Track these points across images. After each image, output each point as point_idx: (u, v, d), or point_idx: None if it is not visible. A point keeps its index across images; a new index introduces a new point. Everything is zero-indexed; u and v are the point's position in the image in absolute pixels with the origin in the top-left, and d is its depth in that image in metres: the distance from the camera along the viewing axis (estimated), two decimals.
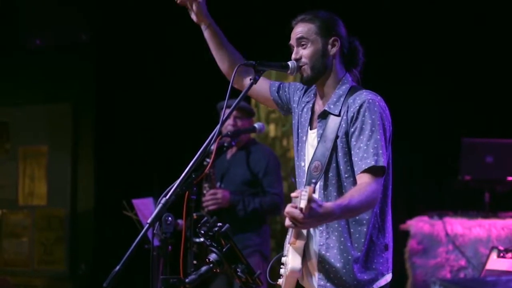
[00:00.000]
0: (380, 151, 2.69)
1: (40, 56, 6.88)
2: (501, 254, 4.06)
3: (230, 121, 4.72)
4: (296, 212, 2.39)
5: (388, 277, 2.84)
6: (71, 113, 6.84)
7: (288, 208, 2.43)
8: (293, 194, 2.42)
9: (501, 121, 5.47)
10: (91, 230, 6.64)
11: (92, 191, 6.66)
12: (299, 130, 2.98)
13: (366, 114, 2.74)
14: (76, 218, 6.76)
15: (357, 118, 2.75)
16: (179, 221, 4.01)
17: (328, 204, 2.52)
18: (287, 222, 2.48)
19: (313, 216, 2.41)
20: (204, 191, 4.68)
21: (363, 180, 2.69)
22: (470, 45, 5.51)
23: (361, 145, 2.72)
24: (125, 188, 5.17)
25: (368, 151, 2.70)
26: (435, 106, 5.57)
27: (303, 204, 2.35)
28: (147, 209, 4.57)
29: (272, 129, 6.81)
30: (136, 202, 4.63)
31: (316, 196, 2.81)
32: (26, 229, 6.99)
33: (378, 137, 2.71)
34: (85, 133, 6.79)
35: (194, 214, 3.72)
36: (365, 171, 2.69)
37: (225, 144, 4.15)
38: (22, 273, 6.90)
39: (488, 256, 4.17)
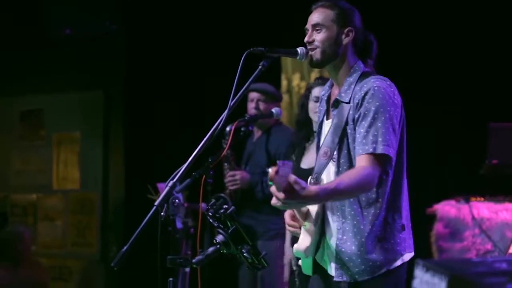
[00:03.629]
0: (380, 139, 2.72)
1: (73, 45, 7.00)
2: None
3: (252, 104, 4.76)
4: (278, 193, 2.51)
5: (406, 257, 2.86)
6: (103, 101, 6.98)
7: (272, 188, 2.54)
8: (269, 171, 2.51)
9: None
10: (121, 214, 6.74)
11: (123, 177, 6.77)
12: (317, 123, 3.08)
13: (370, 101, 2.77)
14: (107, 202, 6.90)
15: (361, 104, 2.78)
16: (203, 204, 4.08)
17: (313, 188, 2.60)
18: (273, 200, 2.59)
19: (295, 197, 2.50)
20: (225, 172, 4.74)
21: (360, 164, 2.74)
22: (494, 26, 5.46)
23: (362, 130, 2.76)
24: (154, 174, 5.24)
25: (368, 137, 2.74)
26: (463, 90, 5.54)
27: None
28: None
29: None
30: (161, 185, 4.72)
31: (326, 180, 2.87)
32: (60, 213, 7.16)
33: (380, 124, 2.74)
34: (116, 120, 6.91)
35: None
36: (363, 156, 2.74)
37: (242, 129, 4.21)
38: (56, 255, 7.08)
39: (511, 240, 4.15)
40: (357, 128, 2.78)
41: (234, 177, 4.67)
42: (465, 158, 5.51)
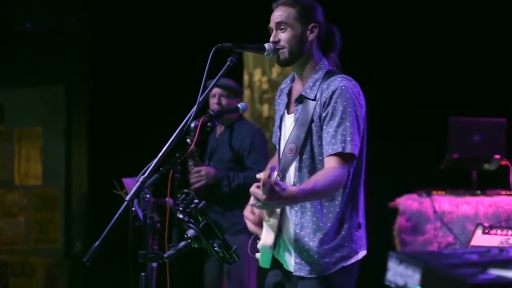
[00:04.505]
0: (349, 138, 2.77)
1: (34, 39, 6.92)
2: (486, 231, 4.09)
3: (214, 100, 4.77)
4: (259, 193, 2.51)
5: (360, 255, 2.94)
6: (64, 95, 6.91)
7: (252, 188, 2.56)
8: (258, 176, 2.51)
9: (488, 99, 5.51)
10: (85, 209, 6.71)
11: (86, 172, 6.74)
12: (276, 116, 3.07)
13: (338, 100, 2.80)
14: (70, 197, 6.84)
15: (329, 103, 2.82)
16: (169, 199, 4.08)
17: (292, 188, 2.63)
18: (251, 200, 2.60)
19: (275, 198, 2.52)
20: (189, 169, 4.74)
21: (330, 164, 2.78)
22: (456, 20, 5.54)
23: (330, 130, 2.80)
24: (117, 169, 5.21)
25: (336, 137, 2.78)
26: (422, 84, 5.61)
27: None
28: None
29: (265, 109, 6.85)
30: (126, 180, 4.69)
31: (291, 177, 2.91)
32: (22, 209, 7.08)
33: (348, 124, 2.78)
34: (79, 115, 6.86)
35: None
36: (332, 156, 2.78)
37: (208, 124, 4.21)
38: (19, 252, 7.00)
39: (473, 233, 4.21)
40: (324, 127, 2.82)
41: (200, 173, 4.67)
42: (426, 152, 5.58)
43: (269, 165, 2.53)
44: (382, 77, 5.56)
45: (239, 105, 4.17)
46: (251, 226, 3.01)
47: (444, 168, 5.25)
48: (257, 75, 6.95)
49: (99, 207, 6.34)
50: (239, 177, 4.66)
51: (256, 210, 2.98)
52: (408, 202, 5.08)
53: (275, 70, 7.22)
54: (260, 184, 2.48)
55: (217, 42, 2.83)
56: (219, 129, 4.91)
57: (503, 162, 5.24)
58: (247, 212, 3.02)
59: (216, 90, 4.76)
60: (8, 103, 7.23)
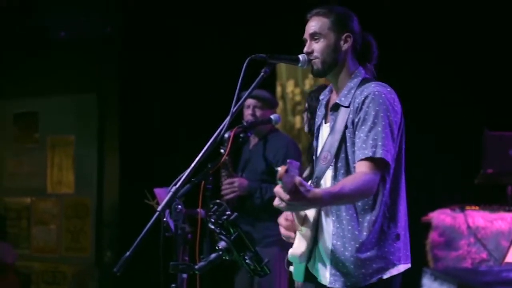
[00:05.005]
0: (380, 143, 2.72)
1: (67, 48, 6.96)
2: None
3: (249, 111, 4.75)
4: (283, 193, 2.46)
5: (401, 267, 2.84)
6: (96, 104, 6.95)
7: (276, 188, 2.51)
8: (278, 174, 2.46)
9: None
10: (116, 218, 6.73)
11: (118, 181, 6.75)
12: (315, 127, 3.06)
13: (371, 105, 2.77)
14: (101, 206, 6.86)
15: (361, 108, 2.78)
16: (201, 210, 4.07)
17: (317, 190, 2.58)
18: (276, 201, 2.55)
19: (299, 199, 2.47)
20: (222, 179, 4.71)
21: (360, 169, 2.74)
22: (493, 36, 5.47)
23: (362, 135, 2.76)
24: (149, 178, 5.23)
25: (367, 142, 2.74)
26: (459, 99, 5.55)
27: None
28: None
29: (298, 121, 6.83)
30: (157, 191, 4.69)
31: (327, 185, 2.87)
32: (54, 217, 7.12)
33: (380, 129, 2.74)
34: (111, 123, 6.89)
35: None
36: (363, 160, 2.73)
37: (241, 135, 4.20)
38: (50, 260, 7.05)
39: (508, 249, 4.15)
40: (356, 132, 2.78)
41: (233, 184, 4.64)
42: (460, 167, 5.52)
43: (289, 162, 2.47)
44: (418, 88, 5.50)
45: (272, 117, 4.14)
46: (283, 232, 2.97)
47: (478, 183, 5.18)
48: (290, 86, 6.93)
49: (130, 217, 6.35)
50: (272, 189, 4.60)
51: (290, 216, 2.93)
52: (441, 217, 5.02)
53: (308, 81, 7.20)
54: (280, 179, 2.44)
55: (252, 52, 2.81)
56: (253, 140, 4.88)
57: None
58: (281, 218, 2.99)
59: (251, 101, 4.74)
60: (42, 111, 7.29)
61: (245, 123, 4.42)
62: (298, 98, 7.19)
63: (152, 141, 6.50)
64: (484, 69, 5.52)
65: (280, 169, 2.42)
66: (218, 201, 3.86)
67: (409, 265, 2.88)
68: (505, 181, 5.18)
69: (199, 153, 2.70)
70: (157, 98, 6.54)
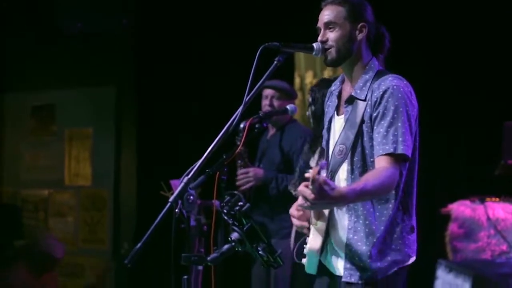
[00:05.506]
0: (400, 139, 2.70)
1: (85, 40, 6.95)
2: None
3: (267, 101, 4.71)
4: (308, 192, 2.42)
5: (412, 259, 2.84)
6: (114, 96, 6.95)
7: (301, 187, 2.46)
8: (307, 174, 2.42)
9: None
10: (133, 210, 6.71)
11: (135, 173, 6.73)
12: (326, 118, 3.01)
13: (390, 100, 2.73)
14: (118, 198, 6.87)
15: (380, 103, 2.75)
16: (216, 201, 4.04)
17: (342, 188, 2.54)
18: (300, 200, 2.50)
19: (324, 198, 2.43)
20: (238, 170, 4.67)
21: (381, 164, 2.70)
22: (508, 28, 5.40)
23: (381, 130, 2.73)
24: (166, 170, 5.22)
25: (388, 137, 2.71)
26: (477, 90, 5.48)
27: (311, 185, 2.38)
28: None
29: None
30: (174, 182, 4.68)
31: (340, 178, 2.84)
32: (71, 209, 7.15)
33: (400, 124, 2.71)
34: (128, 116, 6.88)
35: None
36: (383, 156, 2.70)
37: (257, 126, 4.15)
38: (67, 252, 6.97)
39: None
40: (375, 127, 2.75)
41: (248, 174, 4.60)
42: (480, 158, 5.45)
43: (321, 163, 2.42)
44: (438, 79, 5.44)
45: (288, 107, 4.09)
46: (296, 222, 2.93)
47: (499, 174, 5.12)
48: (309, 77, 6.88)
49: (147, 209, 6.34)
50: (288, 179, 4.57)
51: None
52: (461, 209, 4.97)
53: (327, 72, 7.14)
54: (309, 183, 2.40)
55: (265, 41, 2.77)
56: (271, 130, 4.84)
57: None
58: (292, 209, 2.95)
59: (269, 92, 4.71)
60: (59, 103, 7.31)
61: (260, 114, 4.38)
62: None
63: (169, 133, 6.47)
64: (501, 60, 5.44)
65: (312, 171, 2.38)
66: (233, 192, 3.85)
67: (414, 257, 2.86)
68: None
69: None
70: (174, 91, 6.50)
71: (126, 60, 6.84)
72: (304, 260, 2.94)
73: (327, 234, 2.87)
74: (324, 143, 3.03)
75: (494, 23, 5.41)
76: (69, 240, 7.09)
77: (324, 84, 3.91)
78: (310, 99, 4.10)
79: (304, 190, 2.44)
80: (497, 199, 4.98)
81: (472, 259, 4.61)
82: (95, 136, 7.06)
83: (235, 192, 4.45)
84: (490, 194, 4.93)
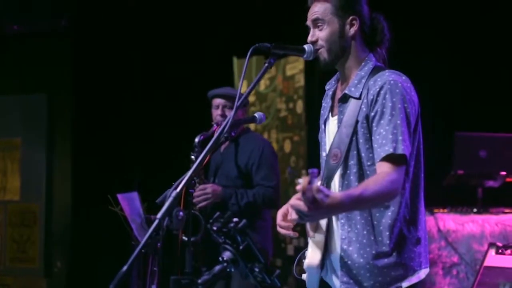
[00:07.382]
0: (400, 138, 2.49)
1: (14, 44, 6.70)
2: (500, 251, 3.95)
3: (218, 111, 4.42)
4: (301, 205, 2.21)
5: (421, 274, 2.62)
6: (46, 104, 6.67)
7: (293, 201, 2.26)
8: (298, 187, 2.20)
9: (495, 114, 5.39)
10: (67, 226, 6.46)
11: (69, 186, 6.48)
12: (321, 120, 2.81)
13: (387, 96, 2.54)
14: (51, 213, 6.60)
15: (377, 101, 2.56)
16: (180, 213, 3.80)
17: (337, 194, 2.34)
18: (293, 215, 2.33)
19: (319, 207, 2.21)
20: (195, 187, 4.37)
21: (382, 169, 2.49)
22: (466, 36, 5.43)
23: (381, 130, 2.53)
24: (102, 182, 4.97)
25: (387, 137, 2.50)
26: (428, 100, 5.47)
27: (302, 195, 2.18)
28: (132, 204, 4.33)
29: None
30: (121, 196, 4.40)
31: (336, 186, 2.64)
32: None
33: (398, 122, 2.51)
34: (62, 125, 6.62)
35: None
36: (384, 159, 2.49)
37: (225, 135, 3.90)
38: None
39: (486, 253, 4.05)
40: (375, 128, 2.55)
41: (205, 191, 4.31)
42: (428, 168, 5.43)
43: (310, 171, 2.22)
44: None
45: (256, 115, 3.84)
46: (281, 231, 2.69)
47: (447, 184, 5.12)
48: (244, 87, 6.76)
49: (83, 224, 6.08)
50: (248, 194, 4.31)
51: (288, 215, 2.67)
52: None
53: (263, 82, 7.06)
54: (300, 194, 2.19)
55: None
56: (223, 143, 4.56)
57: (508, 179, 5.14)
58: (279, 216, 2.70)
59: (219, 101, 4.44)
60: None
61: (215, 125, 4.15)
62: (252, 99, 7.05)
63: (107, 143, 6.26)
64: (455, 69, 5.48)
65: (303, 181, 2.16)
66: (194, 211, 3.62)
67: (428, 269, 2.66)
68: (475, 182, 5.17)
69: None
70: (111, 98, 6.32)
71: (59, 66, 6.60)
72: (304, 276, 2.73)
73: (326, 247, 2.67)
74: (321, 147, 2.83)
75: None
76: None
77: None
78: None
79: (296, 203, 2.23)
80: (445, 210, 4.96)
81: None
82: (24, 146, 6.77)
83: (195, 210, 4.20)
84: (437, 205, 4.87)
